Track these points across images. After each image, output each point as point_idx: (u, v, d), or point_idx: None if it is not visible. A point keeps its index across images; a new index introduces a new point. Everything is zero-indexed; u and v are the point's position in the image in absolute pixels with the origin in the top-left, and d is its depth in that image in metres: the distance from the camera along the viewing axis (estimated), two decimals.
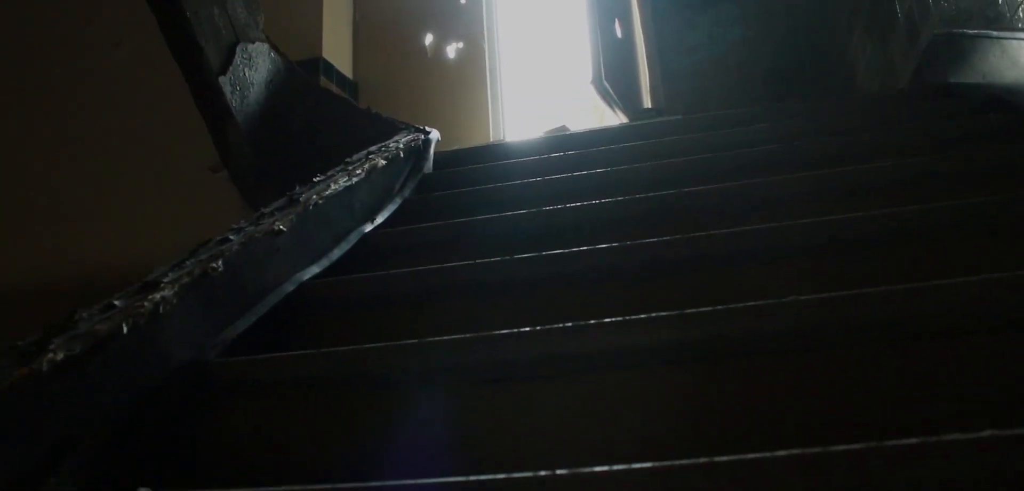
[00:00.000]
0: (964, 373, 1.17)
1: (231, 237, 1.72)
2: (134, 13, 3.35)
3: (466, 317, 1.69)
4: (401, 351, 1.35)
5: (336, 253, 2.04)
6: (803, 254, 1.65)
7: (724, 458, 0.91)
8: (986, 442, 0.87)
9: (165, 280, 1.43)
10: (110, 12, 4.86)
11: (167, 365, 1.35)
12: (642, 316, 1.28)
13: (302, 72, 3.62)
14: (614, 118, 5.64)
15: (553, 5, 7.48)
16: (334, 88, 6.39)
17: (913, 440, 0.88)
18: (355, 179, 2.31)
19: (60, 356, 1.13)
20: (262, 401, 1.39)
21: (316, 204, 2.03)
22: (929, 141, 2.32)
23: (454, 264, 1.77)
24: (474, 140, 6.22)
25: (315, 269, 1.92)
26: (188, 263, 1.55)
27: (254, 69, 3.25)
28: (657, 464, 0.93)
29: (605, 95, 5.35)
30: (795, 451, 0.89)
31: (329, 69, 6.47)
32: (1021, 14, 2.49)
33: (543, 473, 0.96)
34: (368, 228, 2.26)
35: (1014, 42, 2.50)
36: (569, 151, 2.93)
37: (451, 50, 6.79)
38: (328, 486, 1.10)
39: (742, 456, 0.90)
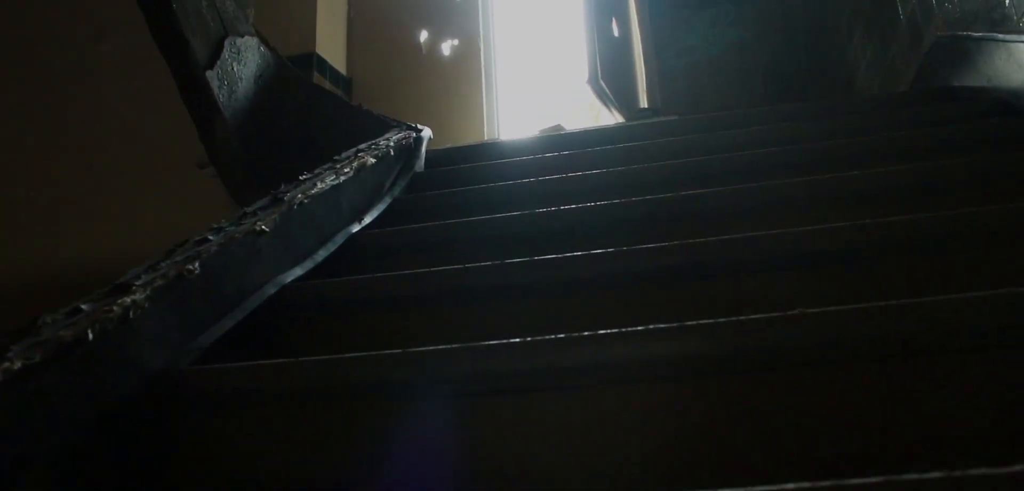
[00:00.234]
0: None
1: (210, 237, 1.65)
2: (118, 5, 3.28)
3: (454, 323, 1.63)
4: (382, 362, 1.28)
5: (321, 254, 1.97)
6: (799, 264, 1.58)
7: None
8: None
9: (137, 283, 1.36)
10: (93, 5, 4.78)
11: (137, 374, 1.28)
12: (639, 328, 1.21)
13: (292, 67, 3.55)
14: (610, 118, 5.57)
15: (550, 3, 7.41)
16: (327, 84, 6.33)
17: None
18: (343, 177, 2.24)
19: (17, 365, 1.06)
20: (237, 413, 1.31)
21: (301, 203, 1.96)
22: (932, 145, 2.26)
23: (442, 268, 1.71)
24: (469, 138, 6.15)
25: (298, 271, 1.85)
26: (163, 265, 1.48)
27: (243, 64, 3.17)
28: None
29: (601, 94, 5.28)
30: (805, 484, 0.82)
31: (323, 65, 6.40)
32: None
33: None
34: (356, 228, 2.19)
35: (1021, 45, 2.44)
36: (564, 151, 2.86)
37: (446, 47, 6.72)
38: None
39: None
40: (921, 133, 2.34)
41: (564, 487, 1.15)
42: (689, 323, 1.19)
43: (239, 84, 3.12)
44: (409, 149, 2.89)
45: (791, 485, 0.82)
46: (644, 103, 5.78)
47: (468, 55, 6.68)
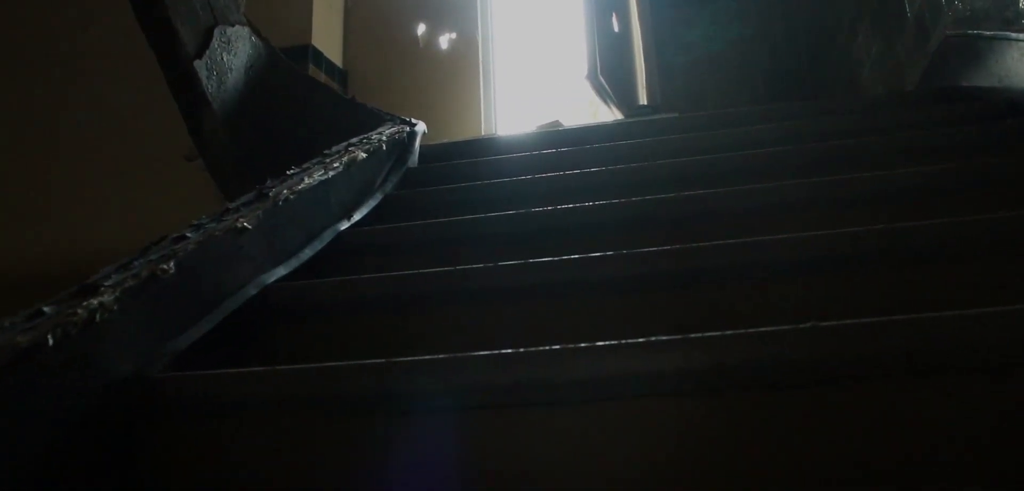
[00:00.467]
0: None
1: (188, 235, 1.57)
2: None
3: (442, 328, 1.55)
4: (362, 372, 1.20)
5: (307, 253, 1.89)
6: (800, 271, 1.51)
7: None
8: None
9: (106, 284, 1.28)
10: None
11: (103, 382, 1.20)
12: (640, 340, 1.13)
13: (285, 59, 3.47)
14: (609, 114, 5.50)
15: None
16: (323, 77, 6.26)
17: None
18: (332, 173, 2.16)
19: None
20: (210, 423, 1.24)
21: (286, 199, 1.88)
22: (942, 146, 2.18)
23: (430, 270, 1.63)
24: (465, 133, 6.09)
25: (282, 271, 1.77)
26: (136, 263, 1.40)
27: (233, 54, 3.09)
28: None
29: (600, 90, 5.21)
30: None
31: (318, 57, 6.33)
32: None
33: None
34: (344, 226, 2.11)
35: None
36: (562, 148, 2.78)
37: (444, 41, 6.65)
38: None
39: None
40: (930, 134, 2.26)
41: None
42: (693, 336, 1.11)
43: (229, 75, 3.04)
44: (402, 144, 2.81)
45: None
46: (643, 100, 5.70)
47: (466, 49, 6.62)
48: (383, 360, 1.19)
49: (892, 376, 1.07)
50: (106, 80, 4.57)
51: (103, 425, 1.19)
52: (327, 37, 6.52)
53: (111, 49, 4.29)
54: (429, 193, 2.42)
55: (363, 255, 1.99)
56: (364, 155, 2.39)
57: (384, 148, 2.59)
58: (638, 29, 5.95)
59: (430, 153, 3.09)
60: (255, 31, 3.29)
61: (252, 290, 1.63)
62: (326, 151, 2.38)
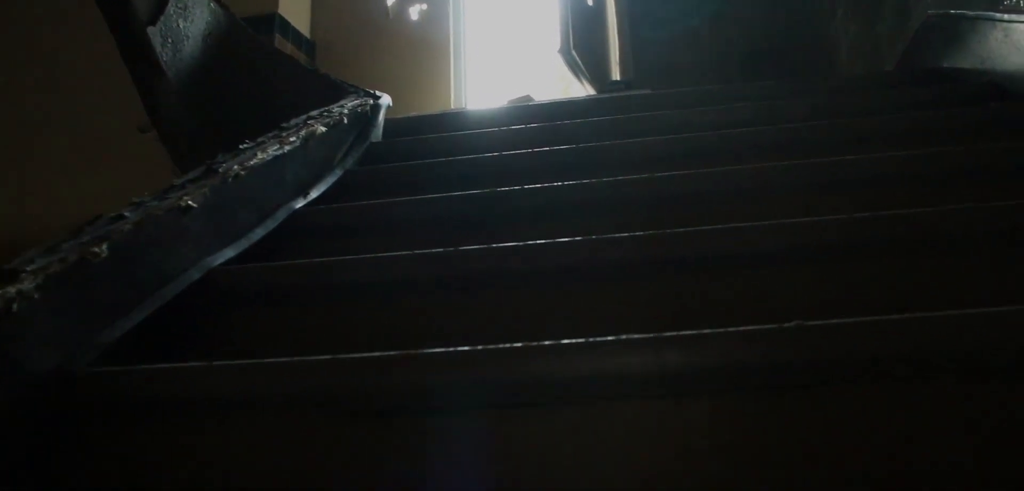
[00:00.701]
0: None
1: (126, 214, 1.46)
2: None
3: (394, 317, 1.45)
4: (308, 371, 1.10)
5: (259, 232, 1.79)
6: (783, 258, 1.42)
7: None
8: None
9: (28, 269, 1.17)
10: None
11: (21, 377, 1.09)
12: (608, 339, 1.04)
13: (246, 27, 3.33)
14: (581, 89, 5.40)
15: None
16: (290, 46, 6.11)
17: None
18: (288, 147, 2.05)
19: None
20: (136, 425, 1.13)
21: (237, 176, 1.77)
22: (923, 129, 2.10)
23: (383, 255, 1.52)
24: (435, 106, 5.98)
25: (231, 252, 1.66)
26: (64, 247, 1.29)
27: (190, 20, 2.96)
28: None
29: (572, 65, 5.10)
30: None
31: (285, 27, 6.18)
32: None
33: None
34: (300, 204, 2.00)
35: (1020, 25, 2.29)
36: (531, 124, 2.69)
37: (414, 12, 6.53)
38: None
39: None
40: (912, 116, 2.18)
41: None
42: (666, 334, 1.02)
43: (185, 43, 2.90)
44: (365, 118, 2.70)
45: None
46: (617, 75, 5.60)
47: (437, 21, 6.50)
48: (328, 357, 1.09)
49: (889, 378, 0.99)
50: (56, 45, 4.39)
51: (20, 425, 1.08)
52: (295, 6, 6.38)
53: (62, 13, 4.12)
54: (391, 170, 2.31)
55: (318, 236, 1.88)
56: (324, 129, 2.28)
57: (345, 122, 2.48)
58: (612, 3, 5.85)
59: (396, 127, 2.98)
60: None
61: (196, 274, 1.52)
62: (284, 124, 2.26)
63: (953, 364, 0.98)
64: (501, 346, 1.05)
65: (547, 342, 1.04)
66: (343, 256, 1.64)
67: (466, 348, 1.06)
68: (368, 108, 2.74)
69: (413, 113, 5.07)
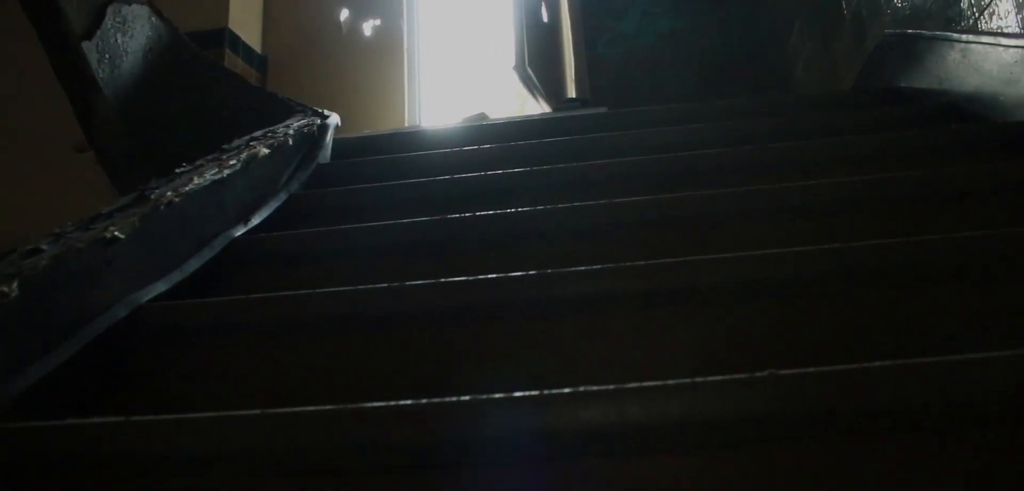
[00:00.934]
0: None
1: (43, 247, 1.35)
2: None
3: (337, 357, 1.35)
4: (236, 427, 1.00)
5: (193, 264, 1.68)
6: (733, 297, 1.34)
7: None
8: None
9: None
10: None
11: None
12: (565, 391, 0.95)
13: (190, 43, 3.21)
14: (537, 106, 5.33)
15: None
16: (240, 62, 5.98)
17: None
18: (228, 171, 1.94)
19: None
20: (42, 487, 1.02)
21: (171, 203, 1.67)
22: (888, 152, 2.05)
23: (321, 292, 1.42)
24: (389, 123, 5.88)
25: (162, 286, 1.55)
26: None
27: (129, 35, 2.84)
28: None
29: (528, 82, 5.03)
30: None
31: (236, 42, 6.04)
32: (987, 15, 2.24)
33: None
34: (240, 231, 1.89)
35: (978, 46, 2.25)
36: (485, 145, 2.60)
37: (368, 28, 6.43)
38: None
39: None
40: (875, 138, 2.12)
41: None
42: (628, 386, 0.93)
43: (124, 58, 2.79)
44: (312, 138, 2.59)
45: None
46: (572, 93, 5.55)
47: (390, 37, 6.40)
48: (258, 411, 0.99)
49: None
50: None
51: None
52: (245, 20, 6.24)
53: None
54: (338, 194, 2.21)
55: (258, 266, 1.78)
56: (267, 151, 2.17)
57: (290, 143, 2.37)
58: (568, 20, 5.79)
59: (346, 147, 2.88)
60: (156, 11, 3.03)
61: (122, 311, 1.41)
62: (224, 146, 2.16)
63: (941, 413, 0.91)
64: (446, 401, 0.96)
65: (498, 395, 0.95)
66: (281, 290, 1.54)
67: (409, 402, 0.96)
68: (315, 128, 2.64)
69: (367, 130, 4.97)
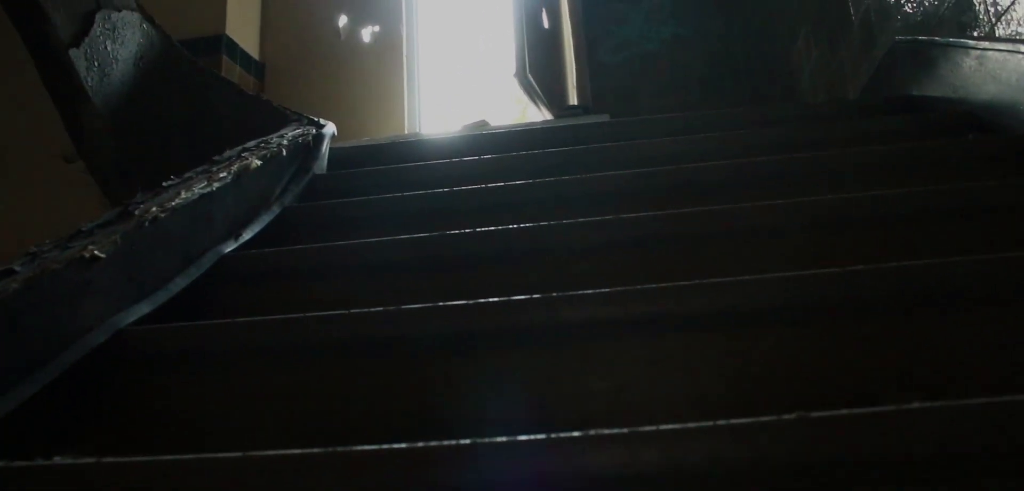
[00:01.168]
0: None
1: (16, 269, 1.27)
2: None
3: (331, 386, 1.27)
4: (214, 468, 0.92)
5: (179, 283, 1.60)
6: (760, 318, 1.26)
7: None
8: None
9: None
10: None
11: None
12: (574, 434, 0.87)
13: (183, 50, 3.14)
14: (537, 113, 5.26)
15: None
16: (238, 69, 5.90)
17: None
18: (217, 184, 1.86)
19: None
20: None
21: (155, 219, 1.59)
22: (905, 162, 1.97)
23: (310, 316, 1.34)
24: (388, 130, 5.81)
25: (145, 307, 1.47)
26: None
27: (119, 42, 2.76)
28: None
29: (528, 89, 4.95)
30: None
31: (233, 48, 5.96)
32: (1005, 22, 2.16)
33: None
34: (230, 247, 1.81)
35: (995, 53, 2.17)
36: (485, 155, 2.52)
37: (367, 34, 6.35)
38: None
39: None
40: (889, 149, 2.04)
41: None
42: (642, 430, 0.85)
43: (114, 66, 2.71)
44: (306, 148, 2.51)
45: None
46: (574, 100, 5.47)
47: (390, 43, 6.32)
48: (239, 454, 0.91)
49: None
50: None
51: None
52: (243, 26, 6.16)
53: None
54: (333, 207, 2.13)
55: (248, 284, 1.70)
56: (259, 163, 2.09)
57: (284, 154, 2.29)
58: (569, 26, 5.72)
59: (342, 156, 2.80)
60: (147, 18, 2.96)
61: (101, 336, 1.33)
62: (215, 158, 2.08)
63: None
64: (444, 445, 0.88)
65: (500, 439, 0.87)
66: (272, 309, 1.46)
67: (403, 446, 0.88)
68: (310, 138, 2.56)
69: (366, 138, 4.89)
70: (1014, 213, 1.58)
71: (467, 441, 0.87)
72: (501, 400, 1.19)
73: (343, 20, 6.35)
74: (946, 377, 1.14)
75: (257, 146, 2.25)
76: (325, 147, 2.67)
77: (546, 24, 5.47)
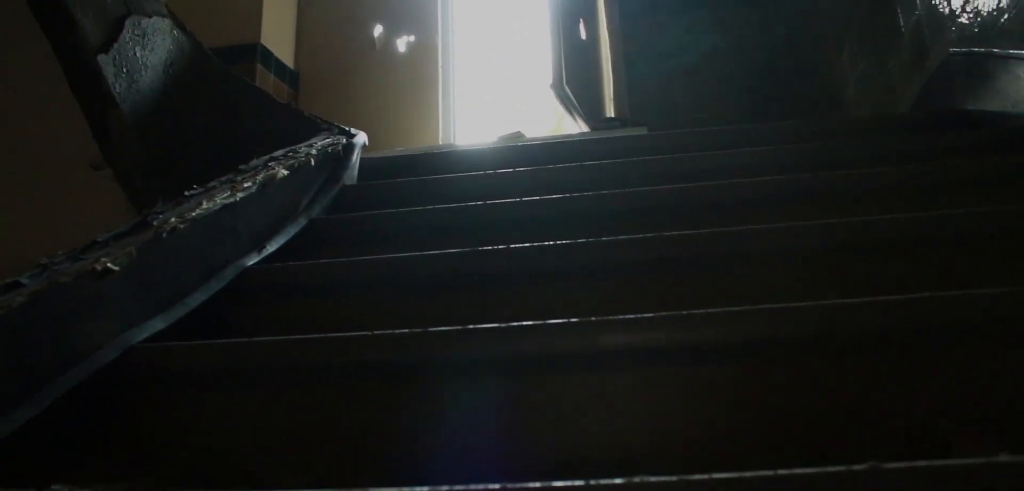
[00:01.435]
0: None
1: (24, 282, 1.20)
2: None
3: (343, 417, 1.19)
4: None
5: (198, 297, 1.52)
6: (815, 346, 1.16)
7: None
8: None
9: None
10: None
11: None
12: (616, 482, 0.77)
13: (214, 57, 3.08)
14: (573, 125, 5.16)
15: (513, 3, 7.00)
16: (272, 78, 5.88)
17: None
18: (241, 195, 1.79)
19: None
20: None
21: (174, 230, 1.51)
22: (966, 180, 1.86)
23: (332, 337, 1.25)
24: (423, 141, 5.74)
25: (160, 323, 1.40)
26: None
27: (149, 49, 2.71)
28: None
29: (565, 101, 4.86)
30: None
31: (268, 57, 5.93)
32: None
33: None
34: (253, 260, 1.74)
35: None
36: (520, 167, 2.43)
37: (402, 44, 6.29)
38: None
39: None
40: (937, 168, 1.92)
41: None
42: (694, 478, 0.76)
43: (143, 73, 2.66)
44: (336, 158, 2.44)
45: None
46: (611, 112, 5.36)
47: (425, 54, 6.27)
48: None
49: None
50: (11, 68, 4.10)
51: None
52: (278, 35, 6.13)
53: (16, 38, 3.83)
54: (363, 219, 2.05)
55: (270, 300, 1.62)
56: (286, 173, 2.02)
57: (313, 163, 2.22)
58: (607, 37, 5.62)
59: (374, 167, 2.73)
60: (178, 24, 2.91)
61: (111, 353, 1.26)
62: (241, 167, 2.01)
63: None
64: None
65: (535, 484, 0.78)
66: (294, 326, 1.39)
67: None
68: (341, 148, 2.49)
69: (400, 148, 4.82)
70: None
71: (496, 487, 0.78)
72: (537, 431, 1.10)
73: (378, 30, 6.30)
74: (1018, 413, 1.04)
75: (285, 155, 2.18)
76: (355, 157, 2.60)
77: (583, 35, 5.38)
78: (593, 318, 1.18)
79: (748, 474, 0.76)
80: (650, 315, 1.17)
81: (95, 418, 1.20)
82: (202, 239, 1.61)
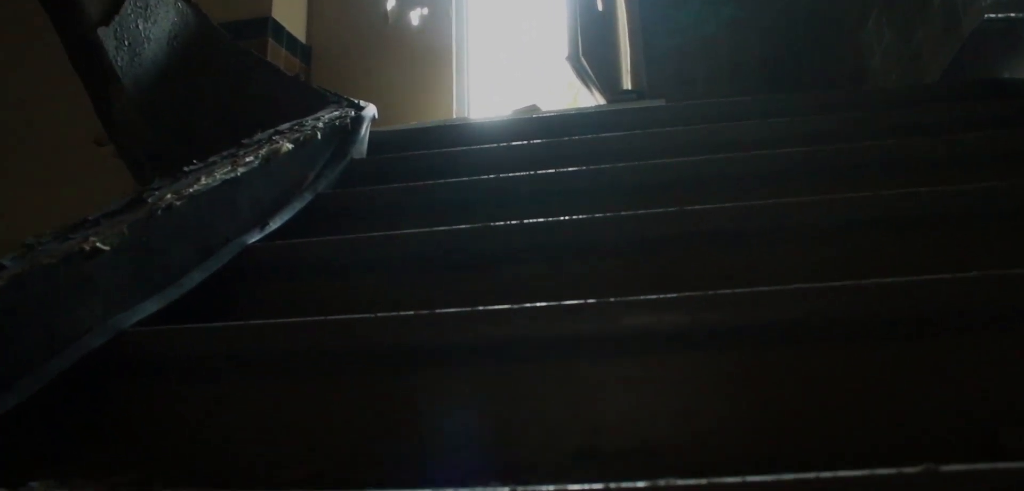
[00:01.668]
0: None
1: (5, 264, 1.13)
2: None
3: (345, 405, 1.12)
4: None
5: (197, 277, 1.45)
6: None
7: None
8: None
9: None
10: None
11: None
12: (618, 485, 0.70)
13: (219, 29, 3.00)
14: (590, 98, 5.06)
15: None
16: (284, 52, 5.80)
17: None
18: (242, 170, 1.72)
19: None
20: None
21: (170, 207, 1.44)
22: (1001, 153, 1.76)
23: (332, 320, 1.17)
24: (437, 115, 5.66)
25: (153, 306, 1.32)
26: None
27: (152, 21, 2.63)
28: None
29: (581, 73, 4.76)
30: None
31: (279, 31, 5.85)
32: None
33: None
34: (255, 237, 1.66)
35: None
36: (535, 140, 2.35)
37: (415, 17, 6.20)
38: None
39: None
40: (974, 139, 1.82)
41: None
42: (724, 481, 0.68)
43: (145, 46, 2.58)
44: (345, 131, 2.36)
45: None
46: (628, 84, 5.26)
47: (439, 26, 6.17)
48: None
49: None
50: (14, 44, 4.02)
51: None
52: (289, 9, 6.05)
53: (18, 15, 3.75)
54: (370, 194, 1.97)
55: (272, 279, 1.55)
56: (290, 146, 1.95)
57: (319, 137, 2.14)
58: (623, 8, 5.51)
59: (384, 141, 2.65)
60: None
61: (101, 338, 1.18)
62: (244, 141, 1.93)
63: None
64: None
65: (549, 488, 0.70)
66: (297, 307, 1.31)
67: None
68: (349, 121, 2.41)
69: (414, 122, 4.74)
70: None
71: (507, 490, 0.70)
72: (552, 421, 1.02)
73: (392, 3, 6.21)
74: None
75: (290, 129, 2.10)
76: (365, 130, 2.51)
77: (600, 6, 5.28)
78: (611, 300, 1.10)
79: (786, 477, 0.68)
80: (674, 296, 1.09)
81: (82, 407, 1.13)
82: (201, 216, 1.53)
